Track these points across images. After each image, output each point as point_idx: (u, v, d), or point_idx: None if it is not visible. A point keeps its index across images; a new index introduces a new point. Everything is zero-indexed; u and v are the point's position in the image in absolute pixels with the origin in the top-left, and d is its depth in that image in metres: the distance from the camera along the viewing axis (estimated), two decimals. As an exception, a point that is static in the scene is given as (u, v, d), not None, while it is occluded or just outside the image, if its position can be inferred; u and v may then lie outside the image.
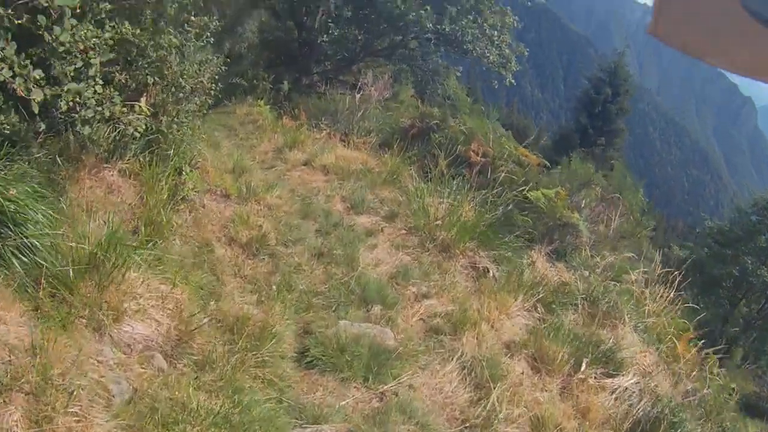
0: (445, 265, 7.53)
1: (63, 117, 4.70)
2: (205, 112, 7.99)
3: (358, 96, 11.50)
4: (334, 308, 5.97)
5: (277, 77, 15.16)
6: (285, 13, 17.67)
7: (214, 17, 7.10)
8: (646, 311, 8.09)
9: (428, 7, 14.54)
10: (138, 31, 5.40)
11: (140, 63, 5.54)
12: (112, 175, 5.60)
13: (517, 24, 16.66)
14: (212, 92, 7.33)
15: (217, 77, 7.53)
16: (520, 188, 9.46)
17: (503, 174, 9.84)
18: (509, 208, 9.09)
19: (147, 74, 5.53)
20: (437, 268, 7.39)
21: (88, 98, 4.62)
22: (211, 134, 11.69)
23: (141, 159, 5.90)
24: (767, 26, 0.83)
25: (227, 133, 12.24)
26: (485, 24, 15.15)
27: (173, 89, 5.94)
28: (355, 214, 8.12)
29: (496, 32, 15.28)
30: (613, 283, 8.36)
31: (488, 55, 15.06)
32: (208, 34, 6.97)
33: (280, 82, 15.09)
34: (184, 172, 6.10)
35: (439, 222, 8.06)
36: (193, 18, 6.62)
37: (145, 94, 5.60)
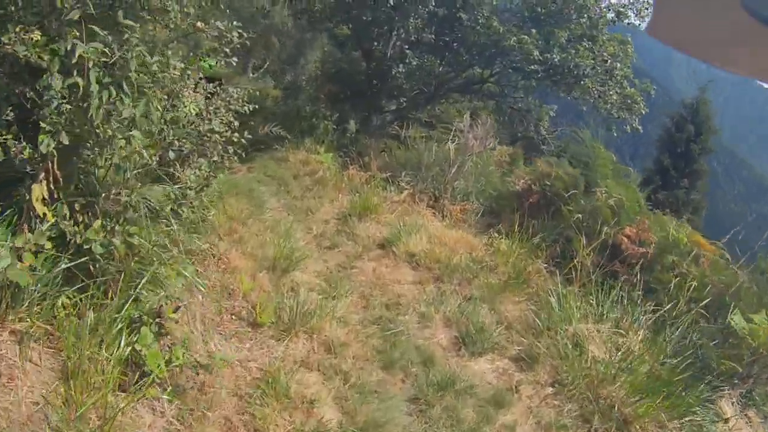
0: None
1: None
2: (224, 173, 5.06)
3: (452, 146, 8.33)
4: None
5: (341, 116, 12.13)
6: (351, 39, 14.72)
7: (233, 21, 4.07)
8: None
9: (533, 30, 11.35)
10: (36, 36, 2.39)
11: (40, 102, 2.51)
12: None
13: (635, 57, 13.28)
14: (232, 148, 4.38)
15: (236, 121, 4.60)
16: (704, 300, 6.15)
17: (675, 275, 6.55)
18: (698, 339, 5.81)
19: (48, 126, 2.49)
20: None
21: None
22: (254, 190, 8.77)
23: (63, 303, 2.89)
24: (767, 26, 0.82)
25: (276, 188, 9.29)
26: (605, 53, 11.78)
27: (116, 157, 2.88)
28: (470, 355, 4.89)
29: (618, 64, 11.87)
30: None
31: (610, 93, 11.66)
32: (228, 51, 3.99)
33: (345, 121, 12.06)
34: (141, 344, 3.00)
35: (605, 372, 4.82)
36: (200, 24, 3.66)
37: (43, 175, 2.58)
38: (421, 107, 14.41)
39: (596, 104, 12.06)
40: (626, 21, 12.88)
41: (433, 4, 11.18)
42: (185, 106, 3.83)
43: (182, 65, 3.61)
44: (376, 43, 13.36)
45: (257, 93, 16.99)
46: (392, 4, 11.26)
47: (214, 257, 5.02)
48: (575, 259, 6.51)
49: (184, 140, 3.93)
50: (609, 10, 12.79)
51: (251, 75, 25.35)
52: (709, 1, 0.90)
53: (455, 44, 13.39)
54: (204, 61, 4.71)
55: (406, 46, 12.51)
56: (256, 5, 16.41)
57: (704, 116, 24.42)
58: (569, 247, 7.20)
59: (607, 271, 6.56)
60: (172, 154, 3.78)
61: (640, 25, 14.10)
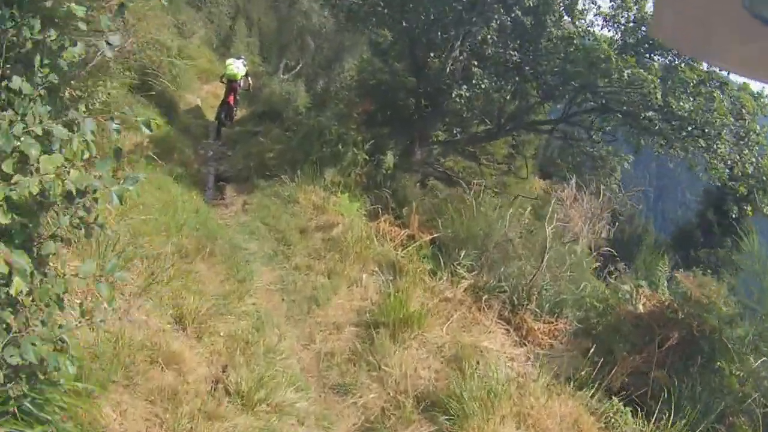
0: None
1: None
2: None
3: (549, 229, 5.33)
4: None
5: (376, 143, 9.03)
6: (397, 45, 11.25)
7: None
8: None
9: (655, 65, 8.31)
10: None
11: None
12: None
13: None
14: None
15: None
16: None
17: None
18: None
19: None
20: None
21: None
22: (239, 248, 5.89)
23: None
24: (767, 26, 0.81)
25: (273, 246, 6.36)
26: (743, 109, 8.64)
27: None
28: None
29: (759, 126, 8.70)
30: None
31: (743, 161, 8.51)
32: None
33: (380, 151, 8.97)
34: None
35: None
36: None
37: None
38: (484, 142, 11.39)
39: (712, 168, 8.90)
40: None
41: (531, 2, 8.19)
42: None
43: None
44: (432, 53, 10.32)
45: (287, 96, 14.12)
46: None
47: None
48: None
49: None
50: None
51: (282, 76, 22.44)
52: (709, 1, 0.88)
53: (527, 68, 10.34)
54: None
55: (475, 62, 9.49)
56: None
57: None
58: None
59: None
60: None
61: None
